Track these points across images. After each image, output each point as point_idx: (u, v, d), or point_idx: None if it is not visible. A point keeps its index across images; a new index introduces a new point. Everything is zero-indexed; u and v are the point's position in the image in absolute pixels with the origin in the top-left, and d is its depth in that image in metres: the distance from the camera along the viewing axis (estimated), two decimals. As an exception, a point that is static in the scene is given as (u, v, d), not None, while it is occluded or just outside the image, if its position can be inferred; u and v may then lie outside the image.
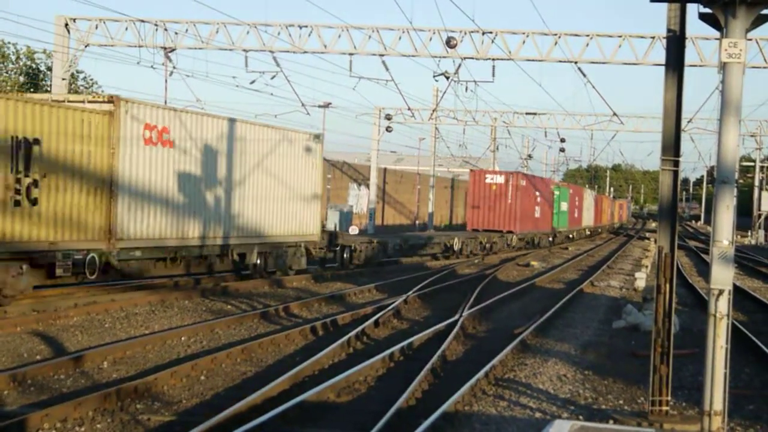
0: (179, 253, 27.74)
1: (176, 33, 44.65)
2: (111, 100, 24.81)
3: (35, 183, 22.21)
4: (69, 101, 24.94)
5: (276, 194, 32.60)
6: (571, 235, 77.92)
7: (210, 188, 28.95)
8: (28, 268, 22.37)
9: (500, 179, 57.37)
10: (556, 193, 70.76)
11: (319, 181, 35.81)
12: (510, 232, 56.89)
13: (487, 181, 57.35)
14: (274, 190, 32.48)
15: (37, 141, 22.18)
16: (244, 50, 44.98)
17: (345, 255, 38.20)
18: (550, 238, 67.77)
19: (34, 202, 22.14)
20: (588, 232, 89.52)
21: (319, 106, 65.65)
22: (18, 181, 21.79)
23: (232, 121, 30.04)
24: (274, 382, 14.70)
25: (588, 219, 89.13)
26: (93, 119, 24.03)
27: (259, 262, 31.90)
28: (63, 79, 45.56)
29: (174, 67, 44.96)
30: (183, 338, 19.74)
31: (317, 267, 36.79)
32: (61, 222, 23.04)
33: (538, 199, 62.89)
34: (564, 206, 74.24)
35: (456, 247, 48.62)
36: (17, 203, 21.71)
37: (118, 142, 24.71)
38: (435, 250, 48.24)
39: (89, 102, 25.07)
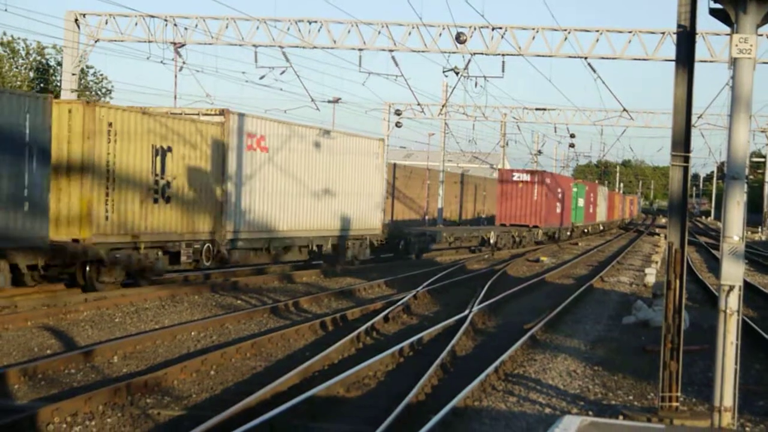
0: (272, 244, 32.06)
1: (186, 28, 44.67)
2: (222, 112, 29.11)
3: (168, 184, 26.69)
4: (185, 114, 28.88)
5: (349, 193, 36.74)
6: (586, 230, 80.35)
7: (296, 187, 33.08)
8: (161, 255, 26.64)
9: (526, 177, 61.17)
10: (574, 189, 73.37)
11: (382, 181, 40.14)
12: (536, 226, 60.23)
13: (515, 179, 61.07)
14: (347, 189, 36.61)
15: (169, 149, 26.65)
16: (254, 45, 44.99)
17: (400, 246, 41.89)
18: (569, 233, 70.84)
19: (167, 200, 26.69)
20: (601, 227, 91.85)
21: (329, 102, 65.77)
22: (156, 182, 26.28)
23: (313, 129, 34.72)
24: (284, 377, 14.72)
25: (602, 214, 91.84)
26: (208, 129, 28.39)
27: (331, 252, 35.84)
28: (73, 74, 45.61)
29: (183, 63, 45.03)
30: (193, 333, 19.78)
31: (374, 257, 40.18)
32: (185, 217, 27.46)
33: (560, 196, 66.24)
34: (581, 202, 76.89)
35: (492, 241, 51.89)
36: (155, 201, 26.25)
37: (227, 149, 29.04)
38: (473, 243, 52.04)
39: (203, 114, 29.25)
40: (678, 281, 13.37)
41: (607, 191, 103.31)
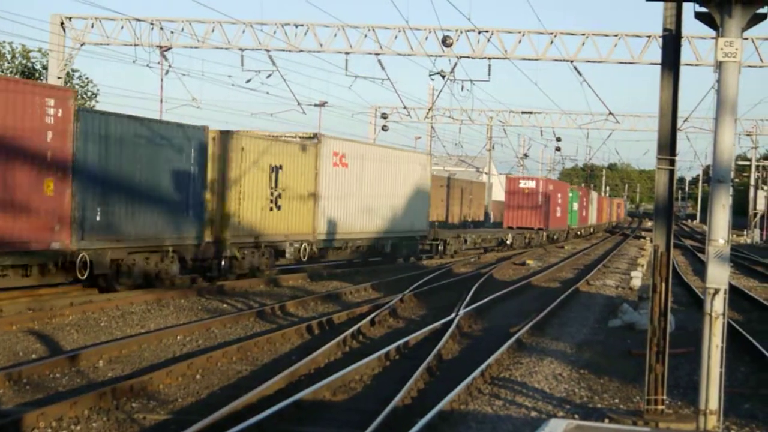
0: (349, 244, 38.19)
1: (172, 32, 44.59)
2: (315, 136, 35.65)
3: (279, 195, 32.64)
4: (286, 137, 34.85)
5: (405, 200, 42.79)
6: (579, 232, 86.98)
7: (367, 196, 39.27)
8: (272, 252, 32.50)
9: (532, 184, 67.35)
10: (570, 194, 78.66)
11: (428, 188, 46.21)
12: (541, 229, 66.07)
13: (521, 185, 67.10)
14: (404, 196, 42.79)
15: (280, 166, 32.63)
16: (240, 49, 44.94)
17: (440, 247, 47.44)
18: (566, 234, 77.21)
19: (279, 208, 32.59)
20: (592, 230, 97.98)
21: (315, 105, 65.61)
22: (272, 193, 32.20)
23: (378, 147, 42.45)
24: (270, 381, 14.70)
25: (592, 218, 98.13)
26: (306, 149, 34.64)
27: (389, 251, 41.65)
28: (59, 77, 45.51)
29: (170, 66, 44.86)
30: (179, 337, 19.74)
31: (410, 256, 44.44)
32: (289, 222, 33.42)
33: (560, 201, 72.72)
34: (575, 206, 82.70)
35: (508, 242, 58.94)
36: (271, 209, 32.17)
37: (319, 165, 35.32)
38: (491, 244, 57.73)
39: (300, 137, 35.50)
40: (664, 284, 13.39)
41: (597, 195, 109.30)
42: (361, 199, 38.86)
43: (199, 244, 28.57)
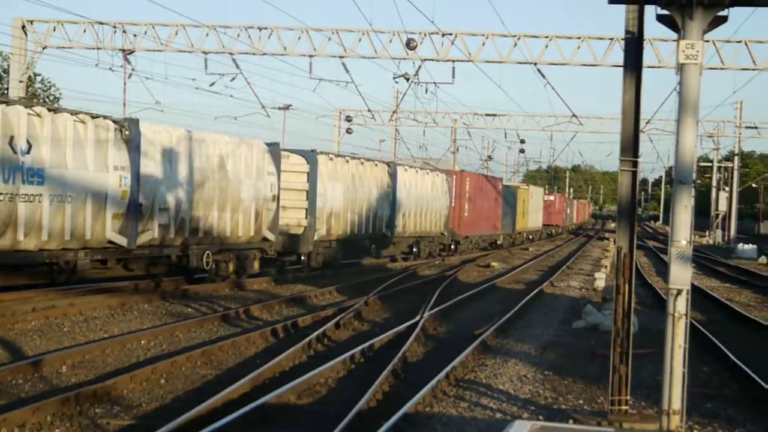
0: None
1: (135, 35, 44.38)
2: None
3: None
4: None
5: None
6: (554, 230, 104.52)
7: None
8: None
9: (550, 198, 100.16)
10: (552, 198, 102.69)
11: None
12: (556, 225, 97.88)
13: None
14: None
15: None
16: (204, 52, 44.75)
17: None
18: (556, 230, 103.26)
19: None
20: (571, 227, 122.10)
21: (279, 108, 65.44)
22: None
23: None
24: (235, 385, 14.63)
25: (572, 217, 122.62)
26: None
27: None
28: (20, 81, 45.19)
29: (133, 70, 44.46)
30: (143, 342, 19.63)
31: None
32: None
33: (556, 206, 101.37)
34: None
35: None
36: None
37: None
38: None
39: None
40: (627, 285, 13.45)
41: (573, 200, 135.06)
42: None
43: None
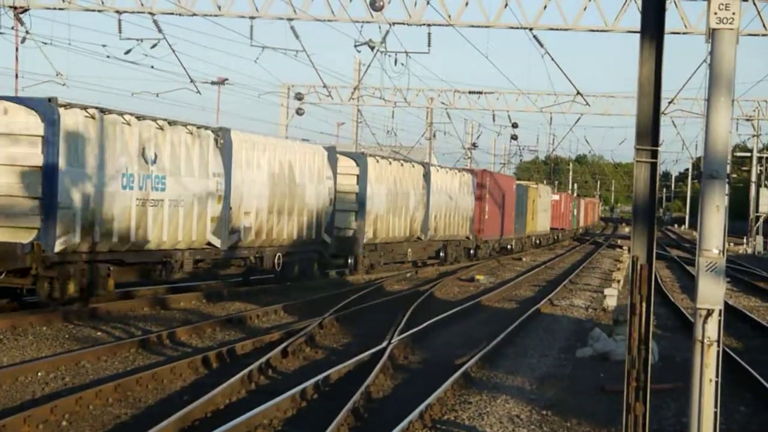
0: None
1: (30, -12, 44.10)
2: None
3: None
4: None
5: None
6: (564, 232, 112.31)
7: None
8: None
9: (556, 197, 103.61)
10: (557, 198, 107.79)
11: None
12: (563, 229, 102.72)
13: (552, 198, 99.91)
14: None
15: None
16: (117, 12, 44.50)
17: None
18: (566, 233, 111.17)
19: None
20: (581, 231, 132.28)
21: (213, 83, 65.41)
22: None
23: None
24: (156, 428, 14.59)
25: (579, 219, 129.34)
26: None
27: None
28: None
29: (27, 32, 44.16)
30: (40, 374, 19.53)
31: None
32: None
33: (562, 207, 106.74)
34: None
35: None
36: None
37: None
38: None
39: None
40: (644, 304, 13.48)
41: (580, 199, 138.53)
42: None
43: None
